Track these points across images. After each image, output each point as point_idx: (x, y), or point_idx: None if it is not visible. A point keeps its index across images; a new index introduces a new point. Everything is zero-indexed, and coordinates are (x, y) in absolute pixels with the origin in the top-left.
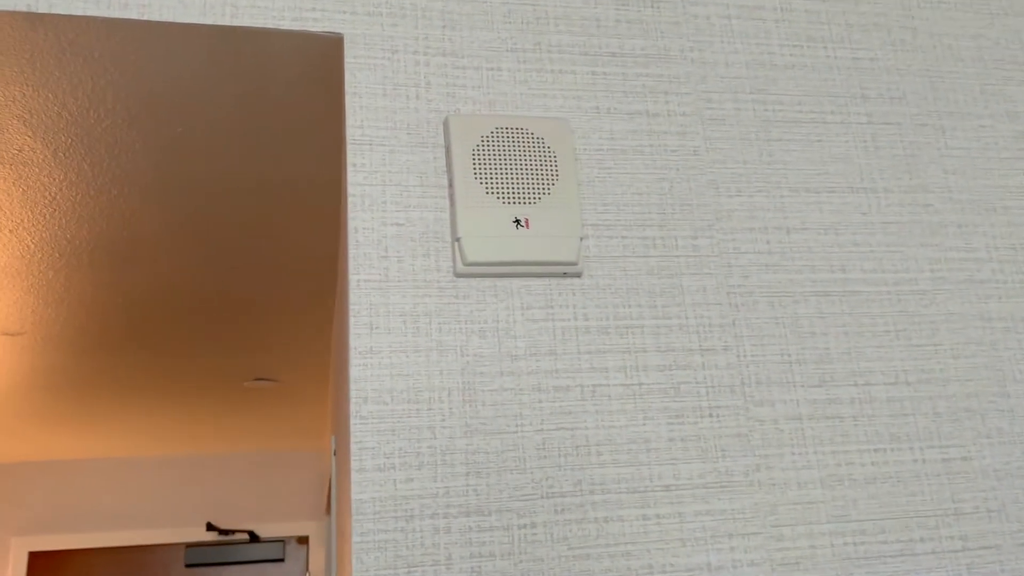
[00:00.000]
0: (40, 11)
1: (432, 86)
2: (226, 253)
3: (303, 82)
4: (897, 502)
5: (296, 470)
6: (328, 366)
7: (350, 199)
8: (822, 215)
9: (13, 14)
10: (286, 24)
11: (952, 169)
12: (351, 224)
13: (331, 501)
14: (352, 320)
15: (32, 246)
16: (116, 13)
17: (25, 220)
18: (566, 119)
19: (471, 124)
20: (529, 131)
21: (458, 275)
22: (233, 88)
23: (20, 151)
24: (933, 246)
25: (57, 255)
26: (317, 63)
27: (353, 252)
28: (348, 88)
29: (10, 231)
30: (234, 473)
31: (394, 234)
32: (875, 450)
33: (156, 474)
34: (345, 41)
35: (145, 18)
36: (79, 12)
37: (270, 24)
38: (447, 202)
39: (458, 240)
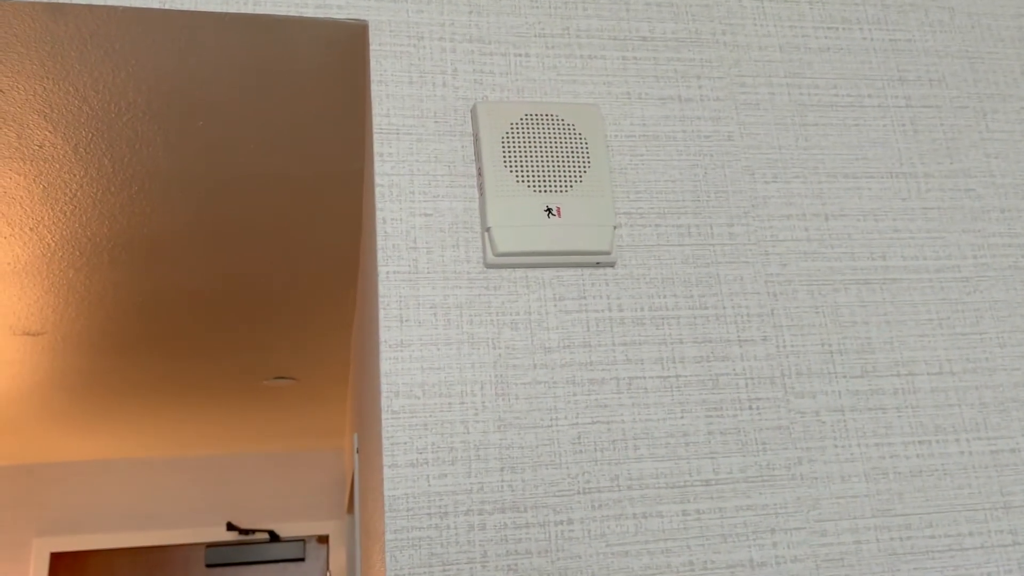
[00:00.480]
0: (62, 0)
1: (459, 73)
2: (244, 249)
3: (327, 71)
4: (944, 495)
5: (316, 470)
6: (347, 364)
7: (377, 189)
8: (861, 201)
9: (35, 4)
10: (310, 12)
11: (994, 153)
12: (379, 215)
13: (354, 499)
14: (382, 313)
15: (53, 244)
16: (138, 3)
17: (45, 218)
18: (597, 105)
19: (500, 111)
20: (559, 118)
21: (489, 266)
22: (255, 78)
23: (41, 147)
24: (975, 232)
25: (78, 253)
26: (341, 51)
27: (382, 243)
28: (374, 76)
29: (31, 229)
30: (254, 473)
31: (423, 224)
32: (920, 442)
33: (176, 475)
34: (370, 28)
35: (167, 7)
36: (100, 2)
37: (293, 12)
38: (476, 191)
39: (488, 230)
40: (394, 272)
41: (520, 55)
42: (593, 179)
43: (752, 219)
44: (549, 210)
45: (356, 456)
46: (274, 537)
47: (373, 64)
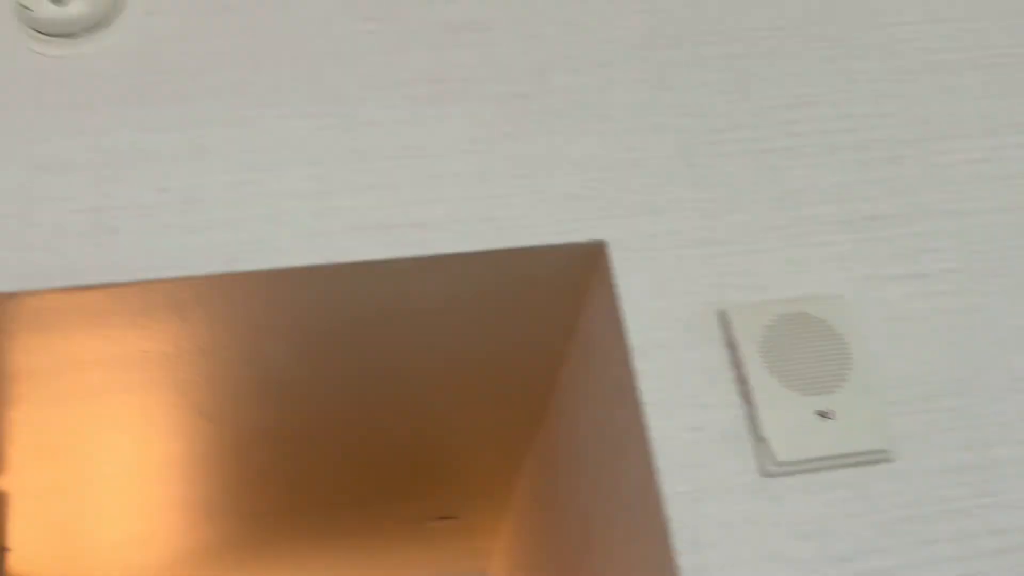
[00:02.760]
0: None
1: (700, 278)
2: (425, 411)
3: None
4: None
5: None
6: (507, 498)
7: (647, 407)
8: None
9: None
10: (548, 239)
11: None
12: (652, 433)
13: None
14: (675, 537)
15: (232, 434)
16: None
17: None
18: (842, 295)
19: (752, 316)
20: (811, 314)
21: (767, 475)
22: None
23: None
24: None
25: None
26: (577, 268)
27: (662, 464)
28: (621, 292)
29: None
30: None
31: (693, 439)
32: None
33: None
34: (609, 246)
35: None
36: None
37: (524, 243)
38: (740, 399)
39: (763, 440)
40: (680, 492)
41: (755, 252)
42: (858, 373)
43: None
44: (823, 413)
45: None
46: None
47: (619, 281)
